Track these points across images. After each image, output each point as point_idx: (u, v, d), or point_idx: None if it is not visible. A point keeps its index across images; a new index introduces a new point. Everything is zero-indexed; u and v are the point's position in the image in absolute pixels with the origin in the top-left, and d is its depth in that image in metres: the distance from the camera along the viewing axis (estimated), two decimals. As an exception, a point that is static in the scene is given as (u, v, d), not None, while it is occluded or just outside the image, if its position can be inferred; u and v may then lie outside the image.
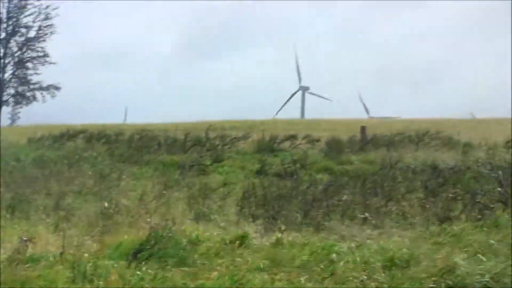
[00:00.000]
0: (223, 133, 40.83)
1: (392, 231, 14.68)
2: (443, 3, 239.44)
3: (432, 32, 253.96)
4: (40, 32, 64.30)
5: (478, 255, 11.74)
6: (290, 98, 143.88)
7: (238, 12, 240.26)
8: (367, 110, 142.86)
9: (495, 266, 10.82)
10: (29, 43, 64.34)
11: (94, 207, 17.56)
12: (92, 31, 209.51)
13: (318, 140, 38.33)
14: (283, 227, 14.70)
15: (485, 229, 14.30)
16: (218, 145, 35.93)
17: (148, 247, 11.76)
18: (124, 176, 24.33)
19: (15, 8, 63.76)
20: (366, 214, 16.03)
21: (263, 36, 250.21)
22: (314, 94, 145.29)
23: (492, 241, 12.82)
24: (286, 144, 37.28)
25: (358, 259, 11.63)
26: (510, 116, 75.32)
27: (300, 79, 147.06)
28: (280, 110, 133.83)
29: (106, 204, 16.75)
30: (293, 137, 38.47)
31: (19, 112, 71.63)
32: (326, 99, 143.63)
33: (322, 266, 11.27)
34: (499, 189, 18.43)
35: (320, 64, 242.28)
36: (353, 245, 13.01)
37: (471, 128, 54.34)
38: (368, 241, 13.58)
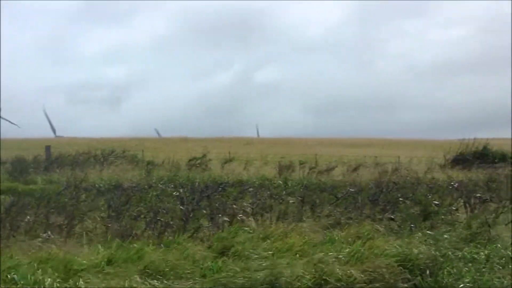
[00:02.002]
0: None
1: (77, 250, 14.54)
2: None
3: (132, 49, 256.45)
4: None
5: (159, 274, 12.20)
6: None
7: None
8: (53, 130, 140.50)
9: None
10: None
11: None
12: None
13: (5, 163, 37.17)
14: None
15: (163, 246, 14.71)
16: None
17: None
18: None
19: None
20: (48, 233, 15.76)
21: None
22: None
23: (171, 259, 13.28)
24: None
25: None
26: (196, 136, 79.12)
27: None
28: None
29: None
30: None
31: None
32: (11, 123, 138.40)
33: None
34: (180, 207, 19.09)
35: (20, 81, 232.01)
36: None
37: (156, 147, 55.85)
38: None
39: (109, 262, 13.09)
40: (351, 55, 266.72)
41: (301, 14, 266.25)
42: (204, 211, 18.67)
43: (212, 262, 13.35)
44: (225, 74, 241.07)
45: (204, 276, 12.50)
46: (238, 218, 17.80)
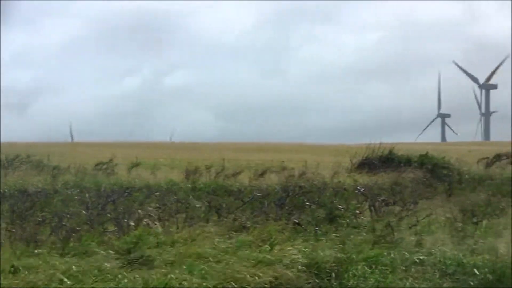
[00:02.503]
0: None
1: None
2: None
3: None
4: None
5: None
6: None
7: None
8: None
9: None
10: None
11: None
12: None
13: None
14: None
15: (71, 251, 14.46)
16: None
17: None
18: None
19: None
20: None
21: None
22: None
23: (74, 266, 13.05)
24: None
25: None
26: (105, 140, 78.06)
27: None
28: None
29: None
30: None
31: None
32: None
33: None
34: (84, 212, 18.79)
35: None
36: None
37: (63, 151, 54.85)
38: None
39: (14, 270, 12.79)
40: (263, 59, 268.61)
41: (213, 18, 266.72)
42: (109, 215, 18.41)
43: (119, 269, 13.20)
44: (136, 78, 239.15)
45: (107, 283, 12.30)
46: (144, 222, 17.61)
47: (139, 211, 18.93)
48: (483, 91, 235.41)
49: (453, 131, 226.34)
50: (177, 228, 17.73)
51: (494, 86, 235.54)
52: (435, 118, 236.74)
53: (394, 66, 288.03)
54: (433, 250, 15.88)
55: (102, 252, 14.56)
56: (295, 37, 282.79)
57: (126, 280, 12.38)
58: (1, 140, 73.16)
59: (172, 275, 12.56)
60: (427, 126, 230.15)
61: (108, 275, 12.71)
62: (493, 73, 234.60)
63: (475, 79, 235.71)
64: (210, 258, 14.22)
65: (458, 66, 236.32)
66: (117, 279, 12.46)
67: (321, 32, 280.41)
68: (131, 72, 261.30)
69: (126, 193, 22.79)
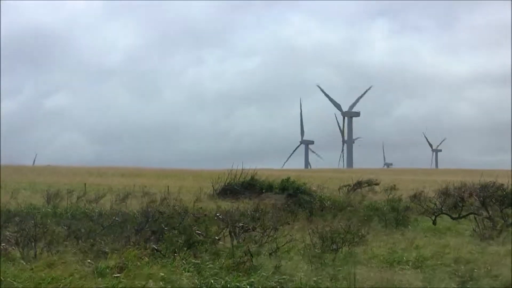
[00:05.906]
0: None
1: None
2: None
3: None
4: None
5: None
6: None
7: None
8: None
9: None
10: None
11: None
12: None
13: None
14: None
15: None
16: None
17: None
18: None
19: None
20: None
21: None
22: None
23: None
24: None
25: None
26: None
27: None
28: None
29: None
30: None
31: None
32: None
33: None
34: None
35: None
36: None
37: None
38: None
39: None
40: (140, 83, 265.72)
41: (94, 41, 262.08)
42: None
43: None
44: (14, 100, 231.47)
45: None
46: (1, 247, 17.17)
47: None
48: (346, 118, 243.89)
49: (317, 155, 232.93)
50: (36, 253, 17.36)
51: (357, 114, 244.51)
52: (298, 145, 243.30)
53: (268, 91, 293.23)
54: (292, 277, 16.01)
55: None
56: (177, 61, 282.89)
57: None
58: None
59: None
60: (292, 153, 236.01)
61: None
62: (357, 101, 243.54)
63: (338, 106, 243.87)
64: (69, 284, 14.01)
65: (321, 90, 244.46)
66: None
67: (205, 56, 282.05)
68: (10, 93, 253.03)
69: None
